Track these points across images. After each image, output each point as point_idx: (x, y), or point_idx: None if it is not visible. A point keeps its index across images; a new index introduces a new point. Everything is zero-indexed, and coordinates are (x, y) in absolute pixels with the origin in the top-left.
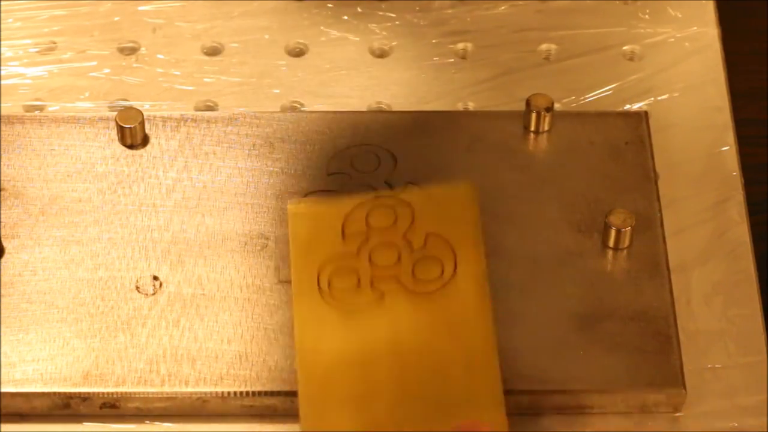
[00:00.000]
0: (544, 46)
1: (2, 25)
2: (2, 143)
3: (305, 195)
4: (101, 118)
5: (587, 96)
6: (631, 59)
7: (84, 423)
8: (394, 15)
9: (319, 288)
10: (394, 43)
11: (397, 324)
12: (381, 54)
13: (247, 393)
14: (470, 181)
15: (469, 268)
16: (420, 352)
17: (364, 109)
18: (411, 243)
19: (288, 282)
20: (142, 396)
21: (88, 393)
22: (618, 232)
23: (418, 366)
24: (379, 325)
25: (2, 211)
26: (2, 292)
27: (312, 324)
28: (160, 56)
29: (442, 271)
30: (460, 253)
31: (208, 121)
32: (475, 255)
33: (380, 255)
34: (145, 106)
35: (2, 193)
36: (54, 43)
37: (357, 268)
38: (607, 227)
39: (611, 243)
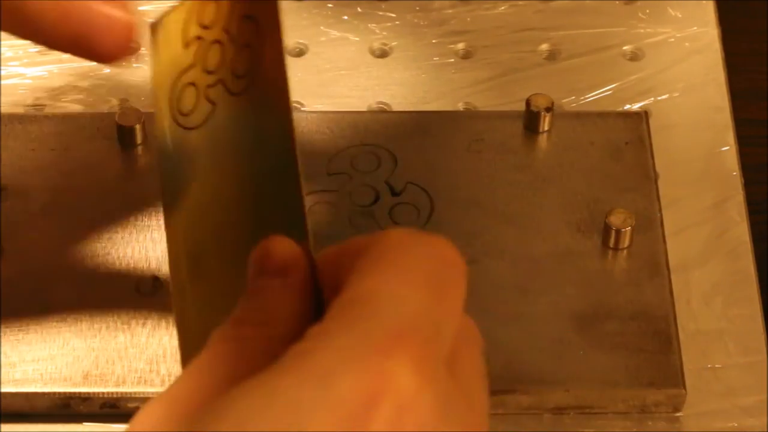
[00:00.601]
0: (544, 46)
1: None
2: (2, 143)
3: (306, 195)
4: (101, 118)
5: (587, 96)
6: (631, 59)
7: (84, 423)
8: (394, 15)
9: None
10: (394, 43)
11: (227, 129)
12: (381, 54)
13: None
14: None
15: (274, 52)
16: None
17: (364, 109)
18: (230, 33)
19: None
20: (142, 396)
21: (88, 393)
22: (618, 232)
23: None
24: (210, 139)
25: (2, 211)
26: (2, 292)
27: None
28: None
29: (251, 61)
30: (266, 32)
31: None
32: (275, 30)
33: (209, 60)
34: (145, 107)
35: (2, 192)
36: None
37: (195, 81)
38: (606, 227)
39: (611, 243)
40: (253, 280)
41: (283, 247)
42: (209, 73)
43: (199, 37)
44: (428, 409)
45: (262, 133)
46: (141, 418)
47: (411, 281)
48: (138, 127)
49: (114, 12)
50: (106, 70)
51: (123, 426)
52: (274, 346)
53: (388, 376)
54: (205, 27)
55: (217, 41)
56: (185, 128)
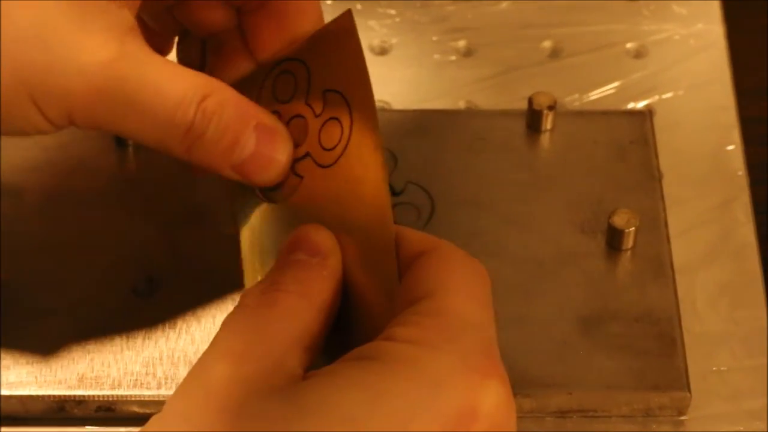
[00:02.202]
0: (546, 44)
1: None
2: (2, 143)
3: None
4: None
5: (590, 94)
6: (635, 57)
7: (79, 426)
8: (394, 12)
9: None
10: (394, 41)
11: (315, 202)
12: (381, 51)
13: None
14: (348, 11)
15: (363, 125)
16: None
17: None
18: (313, 108)
19: None
20: (138, 399)
21: (84, 396)
22: (622, 232)
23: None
24: (302, 208)
25: (1, 211)
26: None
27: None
28: None
29: (341, 134)
30: (353, 106)
31: None
32: (366, 104)
33: (294, 133)
34: None
35: (1, 193)
36: None
37: None
38: (610, 227)
39: (615, 243)
40: (286, 255)
41: (321, 234)
42: (296, 146)
43: (276, 111)
44: (511, 426)
45: (352, 203)
46: (207, 376)
47: (480, 303)
48: None
49: (276, 156)
50: None
51: (119, 429)
52: (311, 318)
53: (486, 393)
54: (281, 102)
55: (298, 116)
56: (270, 202)
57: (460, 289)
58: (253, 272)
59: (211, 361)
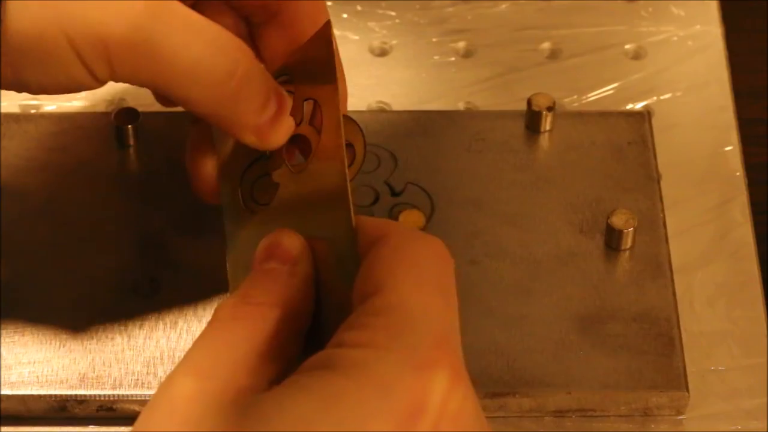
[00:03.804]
0: (545, 45)
1: None
2: (1, 143)
3: None
4: (98, 118)
5: (589, 95)
6: (633, 58)
7: (80, 426)
8: (394, 13)
9: (242, 200)
10: (394, 42)
11: (290, 207)
12: (381, 53)
13: None
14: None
15: (330, 128)
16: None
17: (363, 109)
18: (294, 117)
19: None
20: (139, 399)
21: (85, 396)
22: (620, 232)
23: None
24: (278, 214)
25: (1, 211)
26: (0, 292)
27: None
28: None
29: (314, 139)
30: (324, 111)
31: None
32: (332, 108)
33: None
34: (142, 106)
35: (1, 193)
36: None
37: (265, 170)
38: (609, 228)
39: (613, 244)
40: (259, 264)
41: (292, 239)
42: (274, 159)
43: None
44: (467, 411)
45: (319, 202)
46: (172, 392)
47: (431, 291)
48: (134, 126)
49: (287, 120)
50: None
51: (120, 429)
52: (281, 328)
53: (433, 387)
54: None
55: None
56: (253, 210)
57: (409, 278)
58: (236, 280)
59: (177, 377)
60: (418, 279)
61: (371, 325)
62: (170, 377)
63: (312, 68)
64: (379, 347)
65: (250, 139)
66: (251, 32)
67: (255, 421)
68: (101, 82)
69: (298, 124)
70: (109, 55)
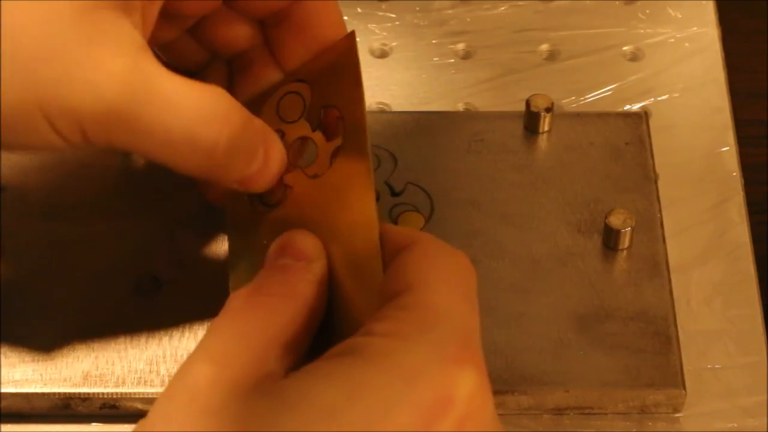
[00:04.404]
0: (544, 47)
1: None
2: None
3: None
4: None
5: (587, 96)
6: (631, 59)
7: (84, 423)
8: (394, 15)
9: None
10: (394, 44)
11: (302, 210)
12: (381, 54)
13: None
14: (351, 32)
15: (354, 137)
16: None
17: None
18: (310, 124)
19: None
20: (141, 396)
21: (88, 393)
22: (618, 232)
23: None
24: (289, 216)
25: (2, 211)
26: (2, 291)
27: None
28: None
29: (332, 146)
30: (346, 118)
31: None
32: (356, 118)
33: (296, 150)
34: None
35: (2, 193)
36: None
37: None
38: (607, 227)
39: (611, 243)
40: (273, 260)
41: (309, 238)
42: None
43: (279, 131)
44: (487, 412)
45: (339, 208)
46: (190, 379)
47: (459, 295)
48: None
49: (273, 168)
50: None
51: (123, 426)
52: (295, 321)
53: (461, 381)
54: (286, 122)
55: (302, 137)
56: (259, 211)
57: (439, 282)
58: (238, 278)
59: (194, 364)
60: (448, 283)
61: (401, 318)
62: (187, 365)
63: (334, 77)
64: (408, 338)
65: (236, 187)
66: (265, 35)
67: (279, 408)
68: (74, 146)
69: (313, 131)
70: (83, 129)
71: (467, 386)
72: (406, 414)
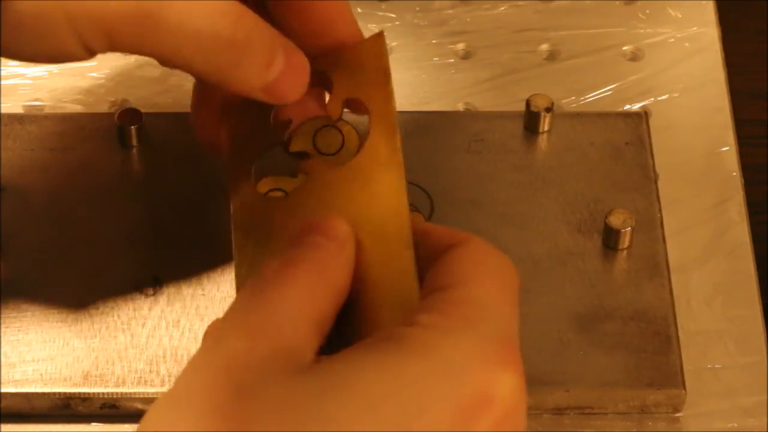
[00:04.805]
0: (544, 47)
1: None
2: (2, 143)
3: None
4: (101, 118)
5: (587, 96)
6: (631, 59)
7: (84, 423)
8: (394, 15)
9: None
10: (394, 44)
11: (321, 199)
12: None
13: None
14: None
15: (383, 128)
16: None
17: None
18: (331, 114)
19: None
20: (142, 396)
21: (88, 393)
22: (618, 232)
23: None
24: (306, 205)
25: (2, 211)
26: (2, 291)
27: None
28: None
29: (357, 137)
30: (373, 110)
31: None
32: (386, 113)
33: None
34: (145, 107)
35: (2, 193)
36: None
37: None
38: (606, 227)
39: (611, 243)
40: (302, 236)
41: (340, 222)
42: (296, 142)
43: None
44: (522, 416)
45: (366, 201)
46: (223, 352)
47: (506, 297)
48: (138, 127)
49: (300, 77)
50: (106, 70)
51: (123, 426)
52: (324, 299)
53: (503, 382)
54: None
55: (325, 125)
56: (268, 197)
57: (487, 281)
58: (247, 266)
59: (228, 337)
60: (495, 283)
61: (448, 312)
62: (219, 336)
63: (361, 71)
64: (453, 332)
65: (260, 96)
66: (268, 11)
67: (321, 393)
68: (93, 55)
69: (335, 121)
70: (109, 31)
71: (507, 387)
72: (446, 410)
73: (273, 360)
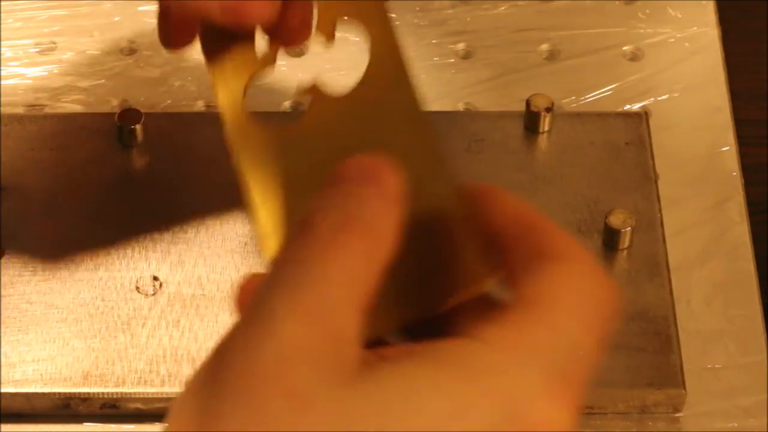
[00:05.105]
0: (544, 47)
1: (2, 25)
2: (2, 143)
3: None
4: (101, 118)
5: (587, 96)
6: (631, 59)
7: (84, 423)
8: (394, 15)
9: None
10: None
11: (327, 128)
12: None
13: None
14: None
15: (383, 48)
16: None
17: None
18: (327, 35)
19: None
20: (142, 396)
21: (88, 393)
22: (618, 232)
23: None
24: (318, 138)
25: (2, 211)
26: (2, 292)
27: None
28: (160, 56)
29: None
30: (370, 32)
31: (209, 122)
32: (384, 30)
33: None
34: (145, 107)
35: (2, 193)
36: (54, 43)
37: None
38: (607, 227)
39: (611, 243)
40: (345, 184)
41: (396, 174)
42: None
43: None
44: None
45: (384, 125)
46: (277, 340)
47: (591, 327)
48: (138, 127)
49: None
50: (106, 70)
51: (123, 426)
52: (379, 274)
53: (554, 423)
54: None
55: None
56: (263, 128)
57: (576, 311)
58: (268, 212)
59: (284, 321)
60: (584, 311)
61: (522, 330)
62: (270, 316)
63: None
64: (523, 358)
65: (219, 19)
66: None
67: (373, 411)
68: None
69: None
70: None
71: (557, 425)
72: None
73: (325, 354)
